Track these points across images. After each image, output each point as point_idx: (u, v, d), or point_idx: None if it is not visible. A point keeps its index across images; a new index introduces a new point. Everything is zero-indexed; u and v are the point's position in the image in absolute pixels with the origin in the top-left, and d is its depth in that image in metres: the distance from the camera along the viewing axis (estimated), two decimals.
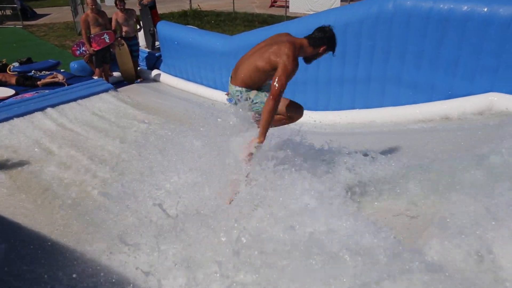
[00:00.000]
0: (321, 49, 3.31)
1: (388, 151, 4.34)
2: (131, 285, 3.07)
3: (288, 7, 18.06)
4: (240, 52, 6.88)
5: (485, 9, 4.59)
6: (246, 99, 3.48)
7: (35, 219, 4.27)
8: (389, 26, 5.21)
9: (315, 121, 6.02)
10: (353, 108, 5.86)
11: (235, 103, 3.61)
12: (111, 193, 4.62)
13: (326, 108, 6.16)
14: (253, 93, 3.47)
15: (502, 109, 4.59)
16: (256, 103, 3.48)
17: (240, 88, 3.47)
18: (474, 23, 4.67)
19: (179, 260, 3.08)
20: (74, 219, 4.27)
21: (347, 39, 5.63)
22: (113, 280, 3.26)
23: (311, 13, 17.46)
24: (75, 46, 8.46)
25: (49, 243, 3.88)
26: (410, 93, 5.27)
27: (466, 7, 4.69)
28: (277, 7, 20.62)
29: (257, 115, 3.66)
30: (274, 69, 3.15)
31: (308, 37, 3.31)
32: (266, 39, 3.54)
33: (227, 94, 3.76)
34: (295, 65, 3.12)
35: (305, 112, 6.27)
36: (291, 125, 4.33)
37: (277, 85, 3.00)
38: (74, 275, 3.20)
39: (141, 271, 2.93)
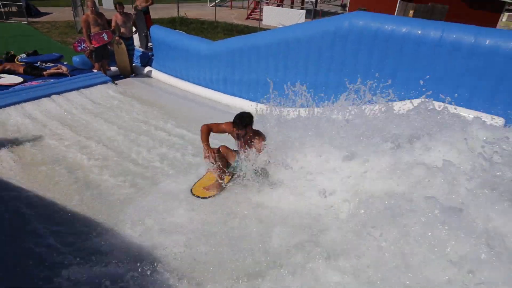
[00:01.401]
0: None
1: None
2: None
3: (261, 20, 18.07)
4: (221, 55, 6.96)
5: (419, 32, 4.84)
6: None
7: (39, 186, 4.25)
8: (344, 41, 5.38)
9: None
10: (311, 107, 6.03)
11: None
12: (106, 166, 4.70)
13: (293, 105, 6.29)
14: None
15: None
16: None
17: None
18: (409, 43, 4.92)
19: None
20: (72, 185, 4.31)
21: (310, 51, 5.77)
22: (108, 232, 3.35)
23: (281, 25, 17.63)
24: (76, 42, 8.19)
25: (49, 202, 3.89)
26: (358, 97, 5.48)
27: (404, 29, 4.92)
28: (252, 19, 20.53)
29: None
30: None
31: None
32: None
33: None
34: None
35: (274, 108, 6.38)
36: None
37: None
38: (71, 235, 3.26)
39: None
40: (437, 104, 4.83)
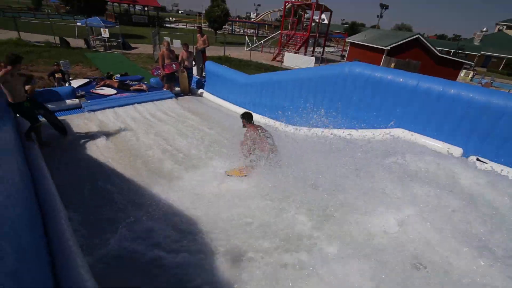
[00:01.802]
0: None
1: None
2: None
3: (282, 62, 18.11)
4: (252, 85, 6.99)
5: (401, 80, 4.69)
6: None
7: (116, 156, 4.49)
8: (343, 82, 5.29)
9: (294, 133, 6.11)
10: (317, 127, 5.92)
11: None
12: (166, 156, 4.78)
13: (300, 124, 6.21)
14: None
15: (404, 138, 4.68)
16: None
17: None
18: (392, 88, 4.77)
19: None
20: (143, 170, 4.37)
21: (317, 87, 5.69)
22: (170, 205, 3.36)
23: (296, 67, 17.59)
24: (153, 69, 8.42)
25: (131, 183, 3.95)
26: (352, 123, 5.35)
27: (390, 77, 4.78)
28: (276, 61, 20.63)
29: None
30: None
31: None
32: (253, 128, 4.12)
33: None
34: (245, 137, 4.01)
35: (283, 124, 6.29)
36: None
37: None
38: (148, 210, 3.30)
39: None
40: (410, 133, 4.69)
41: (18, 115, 4.56)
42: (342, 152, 4.42)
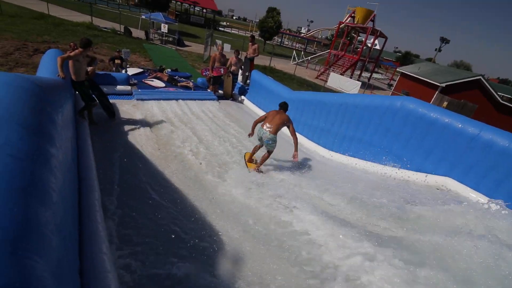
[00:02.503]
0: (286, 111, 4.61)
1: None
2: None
3: (326, 81, 17.84)
4: (296, 101, 6.91)
5: (459, 125, 4.29)
6: (273, 141, 4.46)
7: (154, 146, 4.63)
8: (393, 115, 4.99)
9: (331, 157, 5.90)
10: (355, 156, 5.65)
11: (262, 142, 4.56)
12: (199, 153, 4.86)
13: (337, 151, 5.99)
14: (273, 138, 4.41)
15: (454, 190, 4.25)
16: (273, 144, 4.48)
17: (275, 136, 4.42)
18: (448, 132, 4.38)
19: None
20: (171, 153, 4.50)
21: (363, 115, 5.44)
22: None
23: (339, 89, 17.20)
24: (203, 70, 8.75)
25: (163, 176, 4.04)
26: (395, 160, 5.01)
27: (447, 120, 4.41)
28: (320, 79, 20.41)
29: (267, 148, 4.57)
30: (284, 125, 4.48)
31: (285, 110, 4.63)
32: (274, 111, 4.59)
33: (250, 135, 4.73)
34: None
35: (323, 149, 6.10)
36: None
37: (294, 133, 4.44)
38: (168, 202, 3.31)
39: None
40: (461, 186, 4.25)
41: (76, 92, 4.96)
42: (380, 189, 4.14)
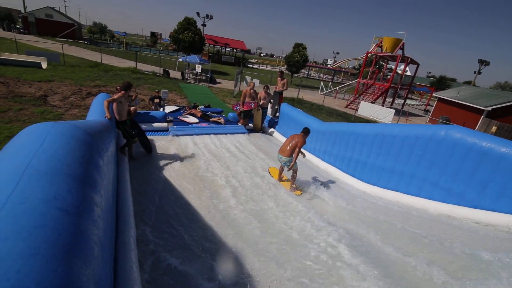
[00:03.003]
0: (308, 135, 5.09)
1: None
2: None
3: (357, 110, 17.48)
4: (327, 133, 6.76)
5: None
6: (289, 163, 4.93)
7: (187, 180, 4.55)
8: (437, 146, 4.60)
9: (365, 192, 5.53)
10: (396, 190, 5.22)
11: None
12: (231, 187, 4.81)
13: (376, 184, 5.59)
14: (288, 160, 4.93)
15: None
16: (287, 163, 4.97)
17: (289, 158, 4.92)
18: (507, 163, 3.88)
19: None
20: (202, 187, 4.55)
21: (402, 146, 5.11)
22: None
23: (371, 118, 16.67)
24: (234, 105, 9.07)
25: (192, 211, 4.02)
26: (443, 194, 4.52)
27: (503, 149, 3.93)
28: (350, 108, 20.10)
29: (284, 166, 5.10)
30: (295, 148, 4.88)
31: (304, 133, 5.06)
32: (293, 135, 5.16)
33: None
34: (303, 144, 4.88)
35: (361, 184, 5.76)
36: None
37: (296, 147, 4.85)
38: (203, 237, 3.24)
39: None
40: None
41: (119, 131, 5.38)
42: (430, 235, 3.67)
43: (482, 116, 17.73)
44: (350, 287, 2.77)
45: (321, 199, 4.94)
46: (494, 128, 15.49)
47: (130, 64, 20.18)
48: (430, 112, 23.97)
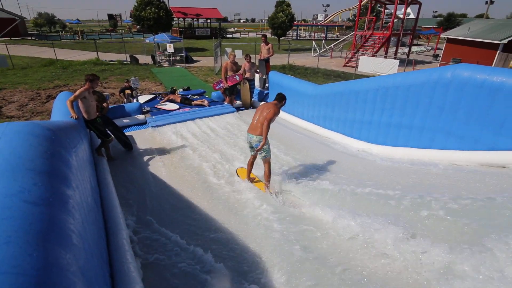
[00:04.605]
0: (283, 102, 4.28)
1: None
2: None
3: (357, 67, 17.36)
4: (324, 96, 6.81)
5: None
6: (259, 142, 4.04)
7: (176, 173, 4.75)
8: (445, 90, 4.68)
9: (372, 152, 5.66)
10: (406, 146, 5.35)
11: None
12: (220, 173, 4.96)
13: (383, 143, 5.71)
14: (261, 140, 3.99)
15: None
16: (259, 144, 3.99)
17: (261, 137, 3.99)
18: None
19: None
20: (196, 182, 4.67)
21: (407, 97, 5.17)
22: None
23: (374, 73, 16.60)
24: (215, 83, 9.01)
25: (178, 191, 4.16)
26: (457, 142, 4.65)
27: None
28: (348, 66, 19.94)
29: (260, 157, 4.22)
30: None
31: (278, 100, 4.24)
32: (262, 105, 4.29)
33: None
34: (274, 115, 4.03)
35: (366, 144, 5.91)
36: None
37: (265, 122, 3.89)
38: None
39: None
40: None
41: (91, 131, 5.39)
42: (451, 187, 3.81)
43: (498, 51, 17.70)
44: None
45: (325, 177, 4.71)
46: None
47: (91, 55, 19.69)
48: (440, 56, 23.86)
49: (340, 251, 2.99)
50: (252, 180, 4.60)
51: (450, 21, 42.67)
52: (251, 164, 4.51)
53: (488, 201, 3.04)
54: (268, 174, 4.22)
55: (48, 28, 47.35)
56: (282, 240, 3.17)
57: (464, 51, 20.57)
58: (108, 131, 5.45)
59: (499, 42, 17.62)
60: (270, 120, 3.93)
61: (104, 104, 5.77)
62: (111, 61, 18.32)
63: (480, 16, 45.83)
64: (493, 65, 17.26)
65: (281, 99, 4.26)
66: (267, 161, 4.16)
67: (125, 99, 8.51)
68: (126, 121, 7.13)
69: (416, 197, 3.41)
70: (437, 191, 3.55)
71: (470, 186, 3.66)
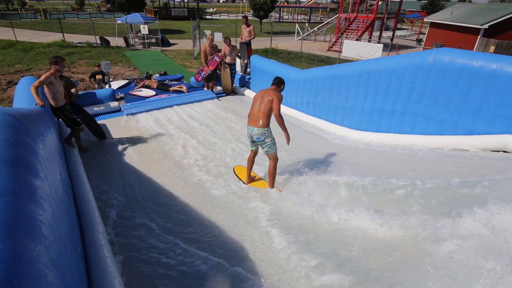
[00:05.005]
0: (282, 86, 3.89)
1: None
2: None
3: (341, 52, 17.52)
4: (307, 82, 6.86)
5: (511, 69, 4.08)
6: (266, 136, 3.77)
7: (153, 168, 4.70)
8: (426, 74, 4.84)
9: (355, 138, 5.81)
10: (388, 132, 5.53)
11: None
12: (201, 163, 4.94)
13: (366, 129, 5.87)
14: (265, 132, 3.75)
15: None
16: (269, 143, 3.79)
17: (265, 129, 3.74)
18: (499, 79, 4.18)
19: None
20: (176, 170, 4.67)
21: (390, 82, 5.31)
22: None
23: (358, 58, 16.84)
24: (197, 75, 8.75)
25: (159, 182, 4.15)
26: (438, 127, 4.86)
27: (495, 66, 4.21)
28: (332, 51, 20.08)
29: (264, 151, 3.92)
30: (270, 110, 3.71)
31: (277, 85, 3.86)
32: (261, 92, 3.88)
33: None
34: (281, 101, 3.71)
35: (349, 130, 6.05)
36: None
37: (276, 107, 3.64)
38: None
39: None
40: None
41: (59, 119, 5.18)
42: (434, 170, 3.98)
43: (479, 36, 18.36)
44: None
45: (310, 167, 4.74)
46: (492, 48, 16.20)
47: (56, 36, 18.65)
48: (423, 41, 24.46)
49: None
50: (252, 180, 4.30)
51: (434, 4, 43.58)
52: (251, 161, 4.16)
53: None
54: (273, 171, 3.89)
55: (5, 5, 44.20)
56: None
57: (447, 36, 21.19)
58: (79, 120, 5.27)
59: (480, 26, 18.25)
60: (280, 111, 3.64)
61: (73, 90, 5.55)
62: (79, 43, 17.46)
63: (463, 0, 47.06)
64: (474, 50, 17.92)
65: (279, 83, 3.89)
66: (272, 157, 3.85)
67: (96, 85, 8.20)
68: (98, 108, 6.90)
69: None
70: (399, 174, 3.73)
71: None
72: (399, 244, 2.79)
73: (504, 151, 4.24)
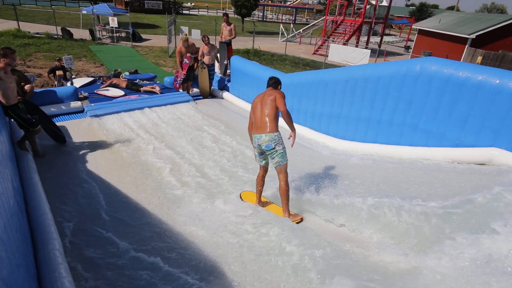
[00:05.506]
0: (279, 87, 3.86)
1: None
2: None
3: (327, 56, 18.02)
4: (291, 87, 6.99)
5: (497, 81, 4.37)
6: (276, 143, 3.54)
7: (121, 172, 4.68)
8: (413, 83, 5.08)
9: (342, 148, 5.97)
10: (375, 142, 5.72)
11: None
12: (174, 169, 4.94)
13: (352, 139, 6.05)
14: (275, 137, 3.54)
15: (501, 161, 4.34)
16: (279, 151, 3.56)
17: (274, 134, 3.54)
18: (485, 91, 4.46)
19: None
20: (143, 177, 4.57)
21: (376, 90, 5.53)
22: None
23: (345, 63, 17.39)
24: (174, 82, 8.70)
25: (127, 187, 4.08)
26: (424, 138, 5.09)
27: (480, 77, 4.49)
28: (318, 54, 20.62)
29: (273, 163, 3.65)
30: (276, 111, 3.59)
31: (274, 86, 3.80)
32: (260, 96, 3.76)
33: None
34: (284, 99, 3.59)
35: (335, 140, 6.21)
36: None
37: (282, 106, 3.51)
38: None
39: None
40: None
41: (11, 119, 4.97)
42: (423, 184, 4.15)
43: (467, 46, 19.52)
44: None
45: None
46: (479, 59, 17.24)
47: (9, 25, 17.91)
48: (411, 48, 25.65)
49: None
50: (263, 205, 3.99)
51: (422, 11, 46.00)
52: (261, 182, 3.86)
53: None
54: (286, 190, 3.57)
55: None
56: None
57: (435, 44, 22.35)
58: (34, 120, 5.08)
59: (467, 36, 19.42)
60: (286, 106, 3.51)
61: (27, 87, 5.35)
62: (37, 33, 16.86)
63: (451, 8, 49.98)
64: (461, 59, 19.01)
65: (275, 84, 3.82)
66: (283, 170, 3.55)
67: (56, 82, 7.95)
68: (57, 108, 6.68)
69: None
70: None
71: None
72: None
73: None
